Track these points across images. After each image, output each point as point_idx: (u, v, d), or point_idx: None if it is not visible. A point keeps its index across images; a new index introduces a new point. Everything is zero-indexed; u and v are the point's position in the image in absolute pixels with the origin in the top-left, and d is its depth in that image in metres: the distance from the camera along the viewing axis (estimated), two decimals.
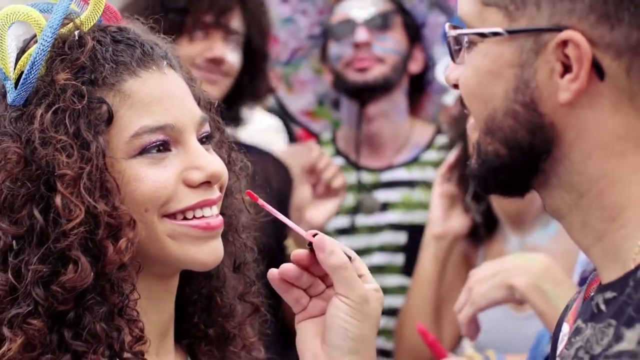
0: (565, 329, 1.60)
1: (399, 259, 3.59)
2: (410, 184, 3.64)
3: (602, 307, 1.49)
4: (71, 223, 1.68)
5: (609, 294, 1.49)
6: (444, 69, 3.42)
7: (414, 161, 3.67)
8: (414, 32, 3.63)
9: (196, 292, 1.95)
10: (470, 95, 1.55)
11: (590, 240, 1.52)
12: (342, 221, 3.64)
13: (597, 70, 1.46)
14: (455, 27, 1.58)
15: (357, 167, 3.67)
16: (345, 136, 3.75)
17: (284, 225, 1.81)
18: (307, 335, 1.76)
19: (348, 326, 1.70)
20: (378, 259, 3.57)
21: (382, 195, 3.62)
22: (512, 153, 1.51)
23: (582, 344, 1.50)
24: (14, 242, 1.70)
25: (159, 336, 1.85)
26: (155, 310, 1.83)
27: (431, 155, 3.66)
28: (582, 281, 2.32)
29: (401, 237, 3.60)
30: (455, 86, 1.61)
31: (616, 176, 1.48)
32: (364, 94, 3.59)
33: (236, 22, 3.44)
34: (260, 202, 1.79)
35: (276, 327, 2.07)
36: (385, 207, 3.62)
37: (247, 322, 2.00)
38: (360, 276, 1.73)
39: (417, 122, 3.75)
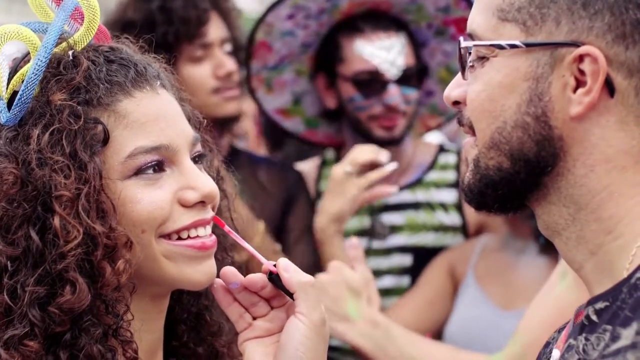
0: (556, 354, 1.63)
1: (405, 281, 3.60)
2: (414, 206, 3.64)
3: (594, 317, 1.53)
4: (69, 244, 1.68)
5: (600, 304, 1.53)
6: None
7: (417, 183, 3.68)
8: (424, 70, 3.61)
9: (185, 311, 1.95)
10: (478, 109, 1.59)
11: (585, 255, 1.57)
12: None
13: (608, 87, 1.53)
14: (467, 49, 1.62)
15: None
16: None
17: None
18: (255, 355, 1.79)
19: (303, 349, 1.74)
20: (385, 282, 3.57)
21: (388, 218, 3.62)
22: (516, 166, 1.57)
23: (578, 356, 1.53)
24: (9, 263, 1.70)
25: (149, 355, 1.85)
26: (147, 330, 1.83)
27: (434, 175, 3.67)
28: None
29: (407, 260, 3.61)
30: (455, 104, 1.65)
31: (616, 189, 1.54)
32: (385, 145, 3.54)
33: (220, 29, 3.47)
34: (227, 229, 1.84)
35: None
36: (392, 230, 3.62)
37: (235, 341, 2.00)
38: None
39: (420, 142, 3.76)
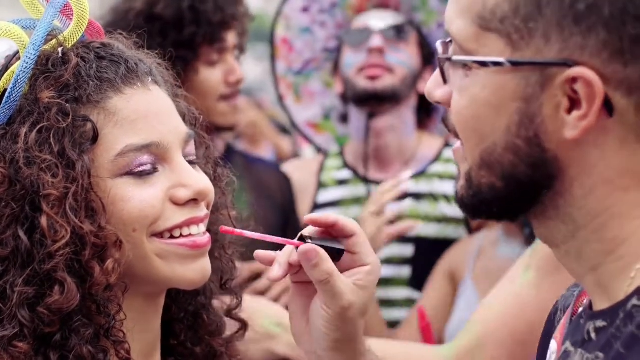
0: (554, 346, 1.58)
1: (405, 271, 3.59)
2: (417, 196, 3.63)
3: (592, 335, 1.45)
4: (57, 244, 1.66)
5: (600, 323, 1.45)
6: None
7: (421, 174, 3.66)
8: (428, 54, 3.65)
9: (183, 310, 1.93)
10: (465, 127, 1.46)
11: (585, 269, 1.48)
12: None
13: (606, 106, 1.39)
14: (448, 45, 1.49)
15: (366, 180, 3.67)
16: (354, 150, 3.74)
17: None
18: (296, 307, 1.74)
19: (327, 332, 1.69)
20: (384, 271, 3.56)
21: (389, 208, 3.59)
22: (510, 187, 1.45)
23: None
24: None
25: (145, 355, 1.83)
26: (141, 330, 1.80)
27: (438, 167, 3.66)
28: None
29: (408, 250, 3.60)
30: (438, 102, 1.54)
31: (618, 211, 1.43)
32: (372, 102, 3.60)
33: (234, 35, 3.48)
34: (238, 232, 1.76)
35: None
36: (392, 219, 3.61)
37: (234, 339, 1.98)
38: (354, 254, 1.71)
39: (425, 136, 3.75)
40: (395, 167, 3.68)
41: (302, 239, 1.70)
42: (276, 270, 1.69)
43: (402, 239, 3.58)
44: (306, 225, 1.74)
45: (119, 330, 1.73)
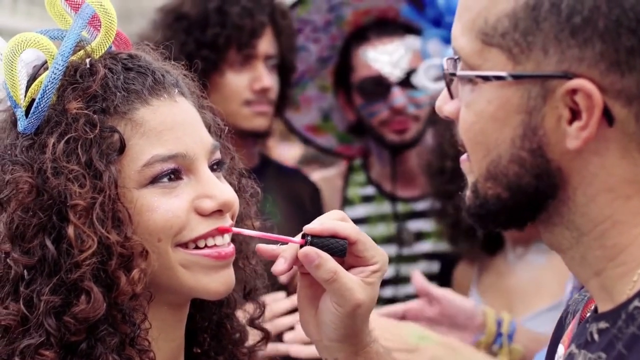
0: (561, 350, 1.60)
1: None
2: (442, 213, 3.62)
3: (595, 336, 1.49)
4: (84, 254, 1.67)
5: (603, 324, 1.48)
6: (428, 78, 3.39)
7: None
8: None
9: (206, 319, 1.94)
10: (473, 141, 1.51)
11: (589, 274, 1.52)
12: None
13: (607, 116, 1.42)
14: (454, 60, 1.53)
15: (393, 198, 3.68)
16: (377, 167, 3.75)
17: None
18: (304, 298, 1.78)
19: (336, 327, 1.73)
20: (412, 288, 3.57)
21: (415, 225, 3.64)
22: (515, 197, 1.49)
23: None
24: (25, 272, 1.69)
25: None
26: (166, 339, 1.82)
27: None
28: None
29: (434, 266, 3.62)
30: (448, 117, 1.58)
31: (620, 218, 1.47)
32: (400, 149, 3.62)
33: (270, 44, 3.46)
34: (236, 230, 1.81)
35: None
36: (418, 236, 3.64)
37: (257, 349, 1.99)
38: (359, 257, 1.74)
39: None
40: (421, 184, 3.68)
41: (305, 236, 1.73)
42: (281, 264, 1.73)
43: (428, 255, 3.60)
44: None
45: (144, 339, 1.74)
